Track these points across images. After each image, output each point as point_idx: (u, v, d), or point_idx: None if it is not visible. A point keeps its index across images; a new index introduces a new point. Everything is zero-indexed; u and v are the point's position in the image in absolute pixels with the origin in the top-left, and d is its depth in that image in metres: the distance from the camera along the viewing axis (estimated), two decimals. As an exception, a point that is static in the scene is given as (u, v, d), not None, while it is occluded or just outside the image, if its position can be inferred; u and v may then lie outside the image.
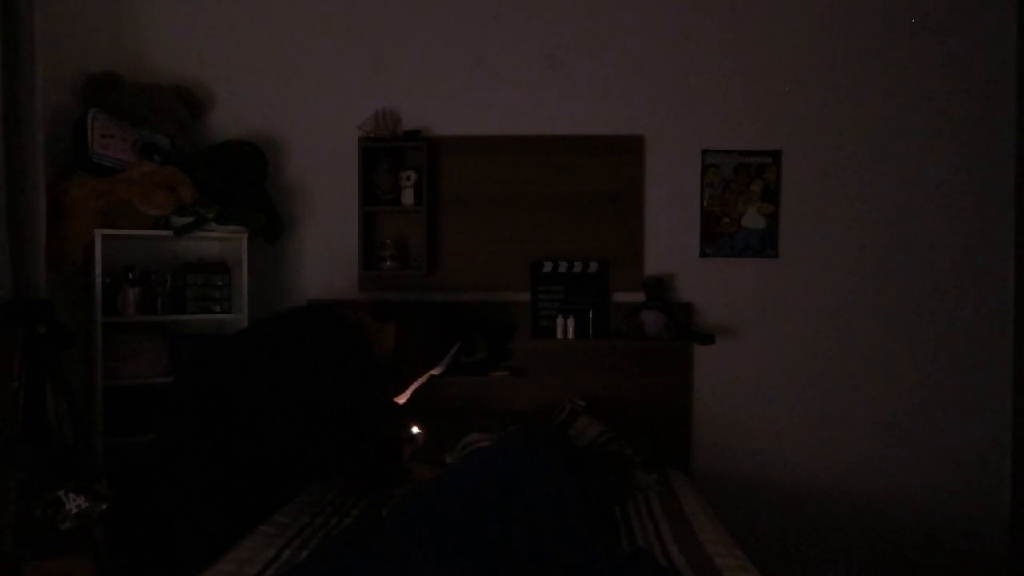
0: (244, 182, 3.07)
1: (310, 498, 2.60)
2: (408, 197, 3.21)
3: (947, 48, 3.24)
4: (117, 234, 2.84)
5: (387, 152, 3.22)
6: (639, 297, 3.19)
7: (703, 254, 3.27)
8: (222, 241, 3.14)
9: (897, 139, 3.25)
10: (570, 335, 3.16)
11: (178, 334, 3.07)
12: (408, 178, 3.21)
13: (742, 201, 3.26)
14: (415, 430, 2.83)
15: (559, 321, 3.18)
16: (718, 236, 3.26)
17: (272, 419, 2.35)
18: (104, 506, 2.35)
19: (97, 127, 2.83)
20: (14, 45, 2.55)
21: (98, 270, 2.79)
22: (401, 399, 2.78)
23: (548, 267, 3.25)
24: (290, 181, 3.32)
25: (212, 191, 2.97)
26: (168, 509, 2.41)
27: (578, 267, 3.24)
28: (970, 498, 3.24)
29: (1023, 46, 3.19)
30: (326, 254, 3.31)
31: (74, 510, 2.27)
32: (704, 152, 3.26)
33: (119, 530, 2.80)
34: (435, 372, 2.76)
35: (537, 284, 3.25)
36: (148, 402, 2.89)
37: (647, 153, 3.27)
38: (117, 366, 2.87)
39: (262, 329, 2.59)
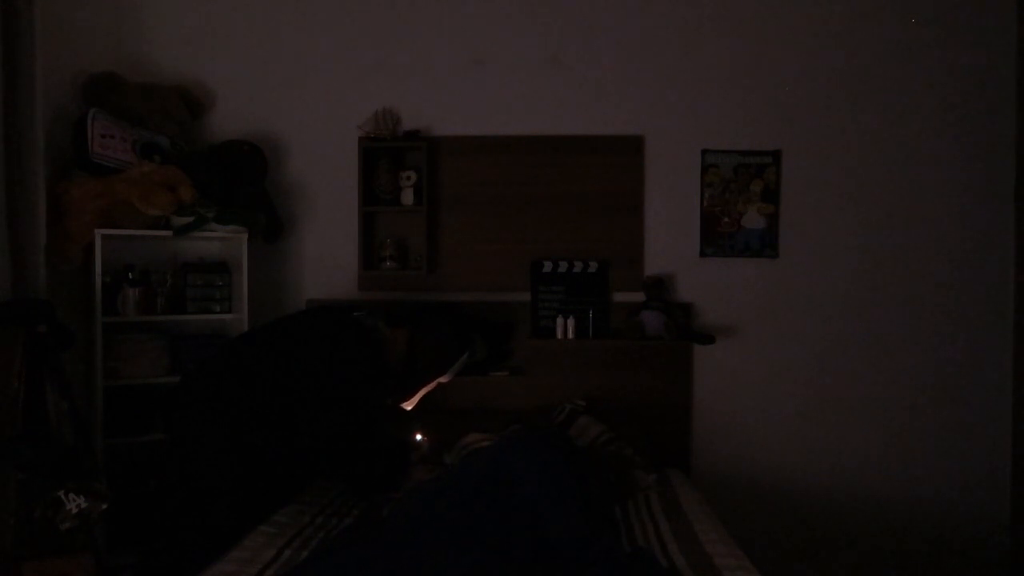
0: (244, 182, 3.07)
1: (310, 498, 2.60)
2: (408, 197, 3.21)
3: (947, 48, 3.24)
4: (117, 234, 2.84)
5: (387, 152, 3.22)
6: (639, 297, 3.19)
7: (703, 254, 3.27)
8: (222, 241, 3.14)
9: (897, 139, 3.25)
10: (570, 335, 3.16)
11: (178, 334, 3.07)
12: (408, 178, 3.21)
13: (742, 201, 3.26)
14: (418, 437, 2.84)
15: (559, 321, 3.17)
16: (718, 236, 3.26)
17: (285, 420, 2.36)
18: (104, 506, 2.35)
19: (97, 127, 2.83)
20: (14, 45, 2.55)
21: (98, 270, 2.79)
22: (408, 405, 2.78)
23: (548, 267, 3.25)
24: (290, 181, 3.32)
25: (212, 191, 2.97)
26: (177, 507, 2.41)
27: (578, 267, 3.24)
28: (970, 498, 3.24)
29: (1023, 46, 3.19)
30: (326, 254, 3.30)
31: (74, 510, 2.27)
32: (704, 152, 3.26)
33: (119, 530, 2.80)
34: (444, 380, 2.77)
35: (537, 284, 3.25)
36: (148, 402, 2.90)
37: (647, 153, 3.27)
38: (117, 366, 2.87)
39: (278, 329, 2.59)
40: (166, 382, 2.90)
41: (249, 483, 2.36)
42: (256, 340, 2.58)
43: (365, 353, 2.49)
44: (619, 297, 3.26)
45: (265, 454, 2.38)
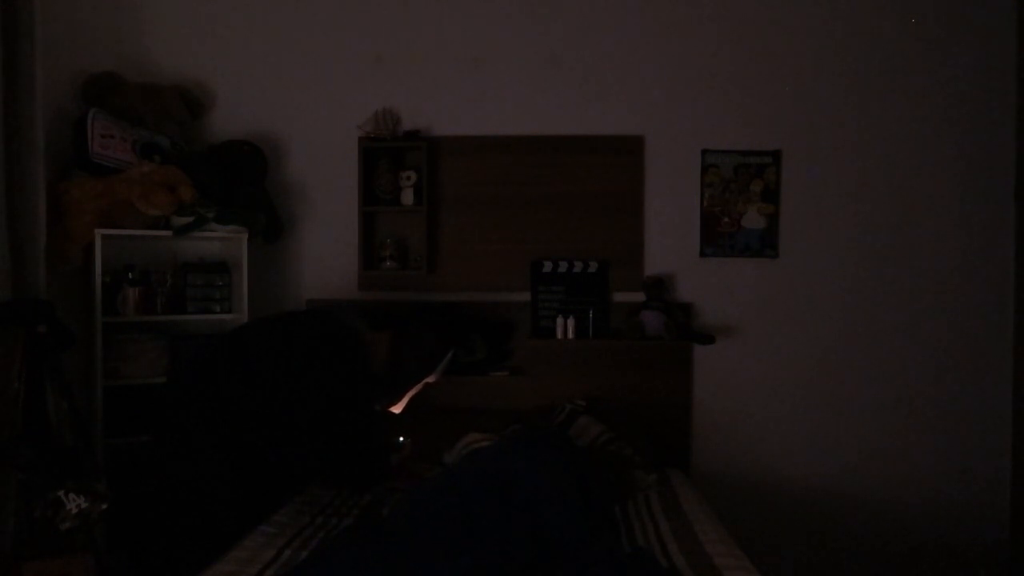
0: (244, 182, 3.08)
1: (310, 498, 2.60)
2: (408, 197, 3.21)
3: (947, 48, 3.24)
4: (117, 234, 2.84)
5: (387, 152, 3.22)
6: (639, 297, 3.19)
7: (703, 254, 3.27)
8: (222, 241, 3.14)
9: (897, 139, 3.25)
10: (570, 335, 3.16)
11: (178, 334, 3.07)
12: (408, 178, 3.21)
13: (742, 201, 3.26)
14: (401, 439, 2.82)
15: (559, 321, 3.17)
16: (718, 236, 3.26)
17: (270, 421, 2.35)
18: (104, 506, 2.35)
19: (97, 127, 2.83)
20: (14, 45, 2.55)
21: (98, 270, 2.79)
22: (397, 408, 2.77)
23: (548, 267, 3.25)
24: (290, 181, 3.32)
25: (212, 191, 2.97)
26: (169, 509, 2.41)
27: (578, 267, 3.24)
28: (970, 498, 3.24)
29: (1023, 46, 3.19)
30: (326, 254, 3.31)
31: (74, 510, 2.27)
32: (704, 152, 3.26)
33: (119, 530, 2.80)
34: (430, 380, 2.76)
35: (537, 284, 3.25)
36: (148, 402, 2.89)
37: (647, 153, 3.27)
38: (117, 366, 2.87)
39: (263, 330, 2.58)
40: (164, 382, 2.90)
41: (247, 483, 2.36)
42: (245, 340, 2.56)
43: (346, 357, 2.46)
44: (619, 297, 3.26)
45: (264, 454, 2.38)
